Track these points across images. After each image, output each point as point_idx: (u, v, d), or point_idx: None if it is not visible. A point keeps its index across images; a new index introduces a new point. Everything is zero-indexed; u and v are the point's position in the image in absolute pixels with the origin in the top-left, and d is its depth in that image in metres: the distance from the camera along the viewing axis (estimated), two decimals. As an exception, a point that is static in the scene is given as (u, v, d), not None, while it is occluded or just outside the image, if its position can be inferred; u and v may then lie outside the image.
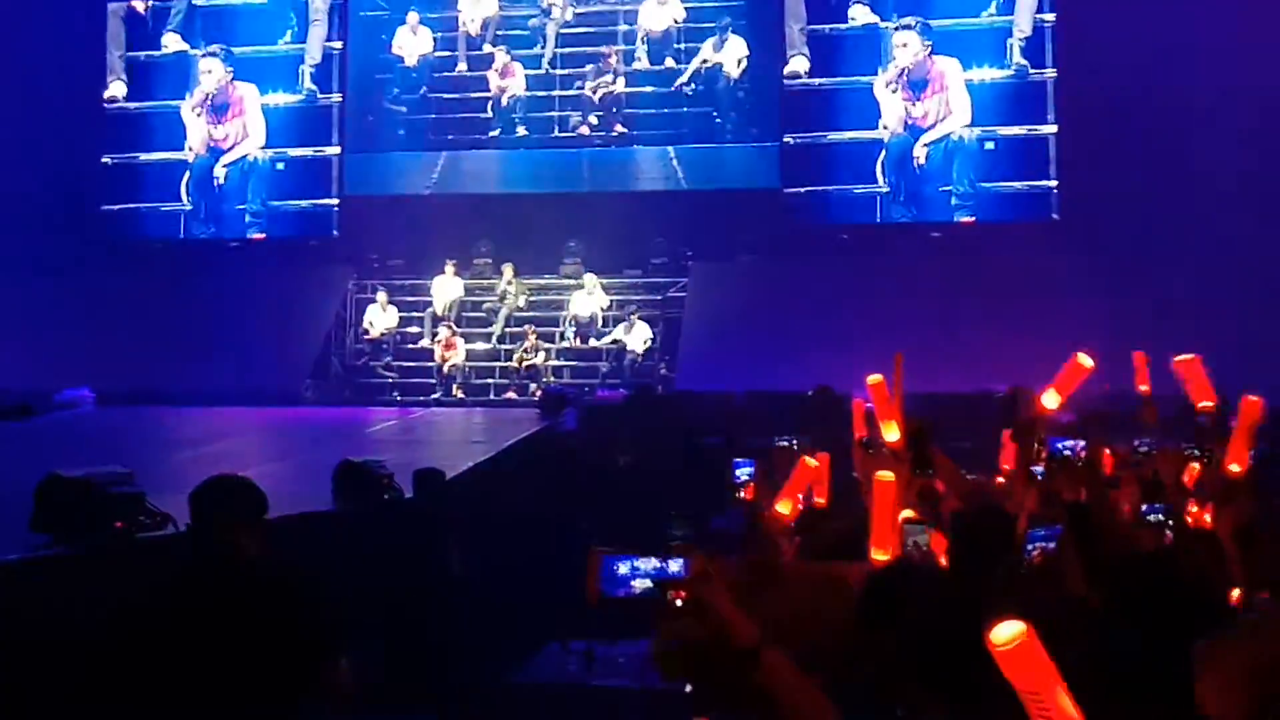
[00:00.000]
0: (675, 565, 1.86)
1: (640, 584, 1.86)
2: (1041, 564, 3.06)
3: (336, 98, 16.29)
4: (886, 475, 3.41)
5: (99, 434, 11.14)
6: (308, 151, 16.28)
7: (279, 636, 3.33)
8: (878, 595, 2.48)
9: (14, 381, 14.05)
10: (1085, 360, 4.39)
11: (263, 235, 16.28)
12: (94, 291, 15.29)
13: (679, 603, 1.82)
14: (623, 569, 1.87)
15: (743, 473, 4.80)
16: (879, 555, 3.26)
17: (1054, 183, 14.76)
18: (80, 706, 3.66)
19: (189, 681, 3.26)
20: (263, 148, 16.28)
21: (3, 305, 14.88)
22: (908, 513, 3.42)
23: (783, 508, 4.25)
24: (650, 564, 1.87)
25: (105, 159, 16.63)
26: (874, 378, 4.37)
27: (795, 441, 5.61)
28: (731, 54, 15.57)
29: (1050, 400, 4.46)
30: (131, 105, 16.79)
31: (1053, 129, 14.83)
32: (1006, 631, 1.69)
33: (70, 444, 10.50)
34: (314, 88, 16.25)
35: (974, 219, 14.96)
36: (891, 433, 4.26)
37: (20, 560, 3.83)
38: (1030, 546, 3.12)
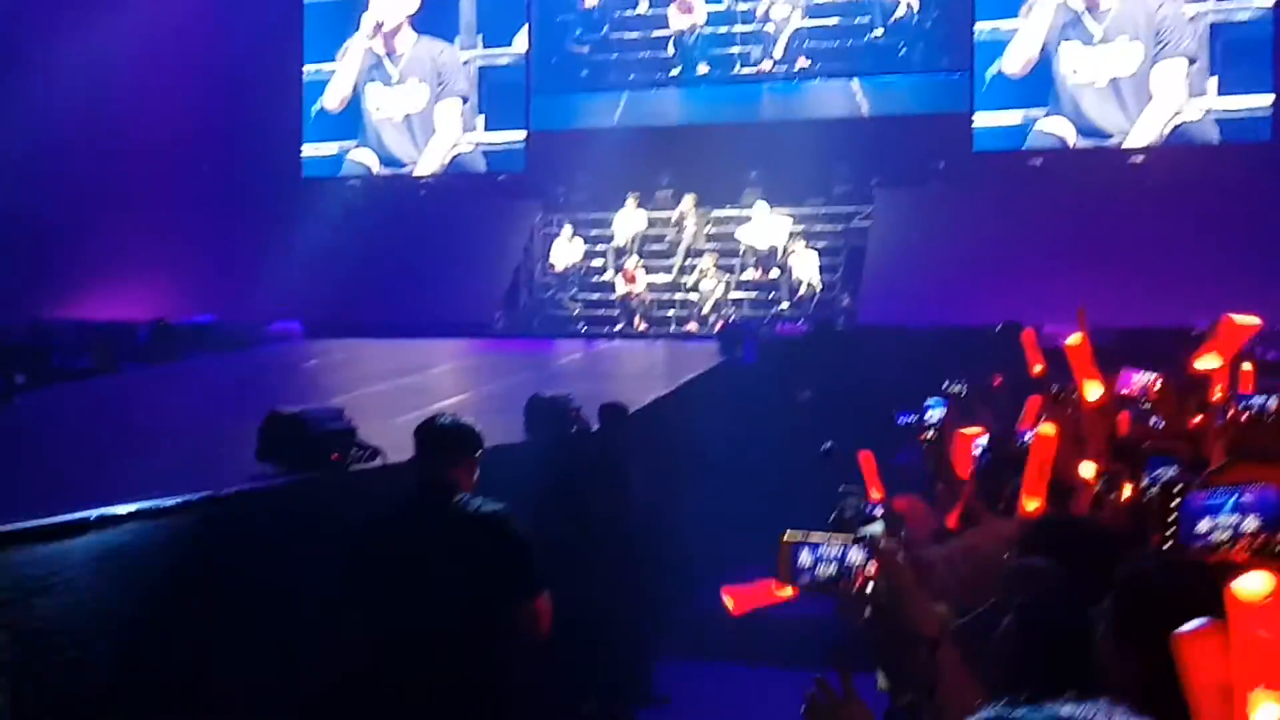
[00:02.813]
0: (857, 553, 1.91)
1: (824, 570, 1.90)
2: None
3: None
4: (1048, 429, 3.39)
5: (308, 366, 11.86)
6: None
7: (490, 569, 3.58)
8: (1035, 548, 2.50)
9: (231, 314, 15.10)
10: (1240, 319, 3.99)
11: (445, 170, 16.87)
12: (298, 228, 16.13)
13: (868, 586, 1.88)
14: (805, 559, 1.92)
15: (933, 413, 4.79)
16: (1030, 504, 3.26)
17: (1270, 99, 13.79)
18: (302, 626, 4.03)
19: (403, 605, 3.55)
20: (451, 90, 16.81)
21: (217, 243, 15.92)
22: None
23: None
24: (834, 550, 1.91)
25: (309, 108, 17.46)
26: (1074, 338, 4.19)
27: (964, 386, 5.55)
28: None
29: (1209, 362, 4.17)
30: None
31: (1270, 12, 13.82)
32: (1260, 584, 1.66)
33: (284, 375, 11.23)
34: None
35: (1178, 143, 14.16)
36: (1093, 390, 4.13)
37: (249, 490, 4.20)
38: (1150, 480, 3.04)
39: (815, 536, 1.96)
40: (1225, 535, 1.72)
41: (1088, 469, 3.44)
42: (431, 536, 3.60)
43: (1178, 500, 1.74)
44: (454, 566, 3.53)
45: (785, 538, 1.95)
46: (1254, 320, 3.86)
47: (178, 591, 3.59)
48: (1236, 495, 1.73)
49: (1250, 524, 1.72)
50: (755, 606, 3.47)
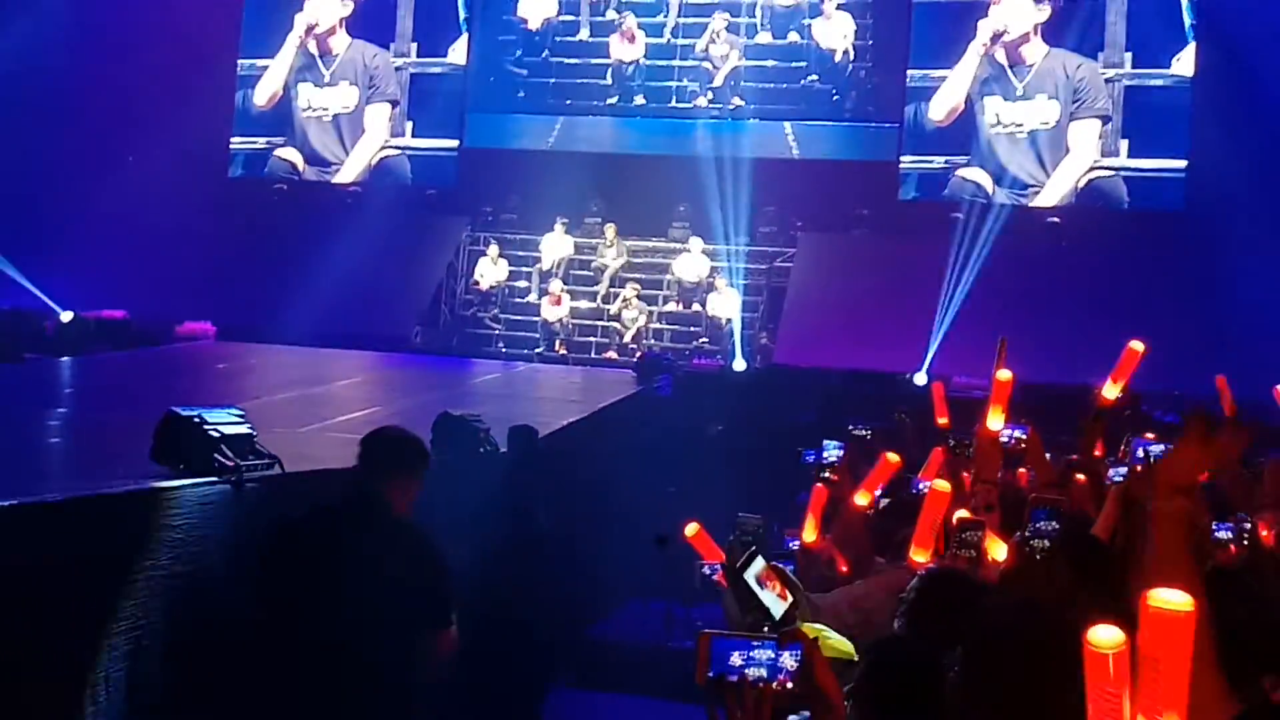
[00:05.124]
0: (788, 656, 1.98)
1: (754, 673, 1.98)
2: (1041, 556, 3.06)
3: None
4: (942, 485, 3.46)
5: (216, 369, 11.63)
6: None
7: (406, 592, 3.50)
8: (928, 596, 2.55)
9: (143, 311, 14.75)
10: (1137, 346, 4.43)
11: (370, 172, 16.72)
12: (219, 228, 15.85)
13: (789, 685, 1.99)
14: (736, 659, 1.98)
15: (830, 454, 4.83)
16: (918, 557, 3.32)
17: (1182, 163, 14.23)
18: (201, 634, 3.93)
19: (313, 616, 3.45)
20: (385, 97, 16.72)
21: (136, 237, 15.55)
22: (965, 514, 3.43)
23: (861, 499, 4.25)
24: (765, 654, 1.98)
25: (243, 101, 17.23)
26: (1004, 374, 4.27)
27: (870, 431, 5.65)
28: (835, 30, 15.36)
29: (1110, 391, 4.48)
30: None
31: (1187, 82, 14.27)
32: (1107, 637, 1.73)
33: (190, 377, 11.00)
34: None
35: (1091, 199, 14.58)
36: (996, 420, 4.22)
37: (137, 490, 4.10)
38: (1031, 531, 3.14)
39: (736, 634, 2.06)
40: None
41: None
42: (348, 549, 3.51)
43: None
44: (369, 584, 3.44)
45: (703, 633, 2.01)
46: (1141, 345, 4.31)
47: (61, 592, 3.47)
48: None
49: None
50: (699, 549, 3.48)
